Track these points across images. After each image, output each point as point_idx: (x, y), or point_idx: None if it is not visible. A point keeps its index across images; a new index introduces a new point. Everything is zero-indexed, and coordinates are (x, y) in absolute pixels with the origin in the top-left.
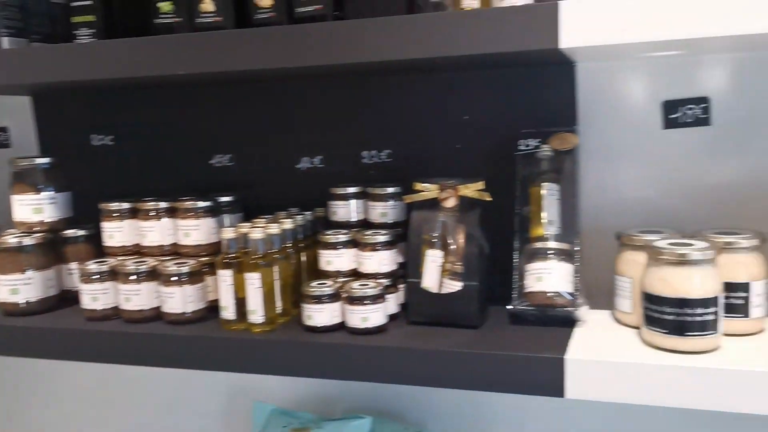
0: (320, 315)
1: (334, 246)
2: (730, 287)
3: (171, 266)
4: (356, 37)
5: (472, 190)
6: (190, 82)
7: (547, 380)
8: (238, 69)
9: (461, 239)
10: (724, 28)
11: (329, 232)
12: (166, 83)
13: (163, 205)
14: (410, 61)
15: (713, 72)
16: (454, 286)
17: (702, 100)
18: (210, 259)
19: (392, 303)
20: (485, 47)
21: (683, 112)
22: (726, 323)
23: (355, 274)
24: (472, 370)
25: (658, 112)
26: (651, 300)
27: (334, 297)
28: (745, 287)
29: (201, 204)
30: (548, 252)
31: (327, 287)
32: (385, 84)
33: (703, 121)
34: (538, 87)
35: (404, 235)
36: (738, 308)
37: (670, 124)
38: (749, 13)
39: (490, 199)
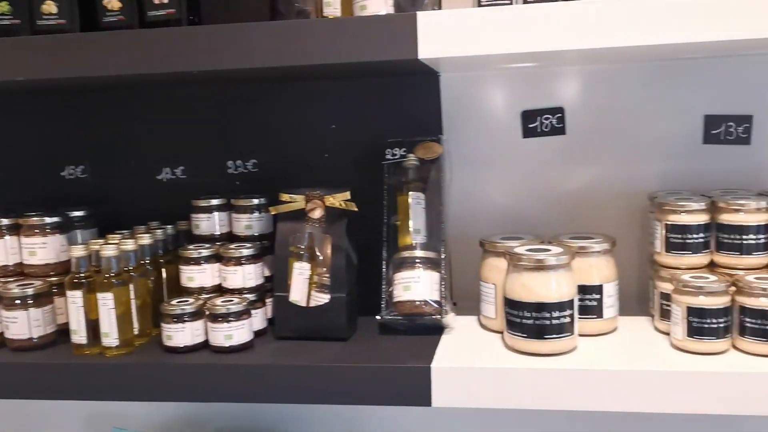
0: (181, 335)
1: (196, 261)
2: (584, 290)
3: (14, 288)
4: (211, 44)
5: (339, 200)
6: (36, 87)
7: (414, 390)
8: (83, 75)
9: (328, 251)
10: (573, 43)
11: (191, 247)
12: (8, 89)
13: (5, 221)
14: (271, 69)
15: (567, 84)
16: (322, 298)
17: (557, 111)
18: (59, 279)
19: (259, 318)
20: (346, 56)
21: (540, 122)
22: (581, 324)
23: (220, 290)
24: (340, 385)
25: (518, 121)
26: (511, 305)
27: (195, 315)
28: (598, 289)
29: (49, 219)
30: (415, 261)
31: (188, 305)
32: (251, 92)
33: (558, 130)
34: (404, 96)
35: (271, 248)
36: (592, 309)
37: (529, 133)
38: (597, 29)
39: (357, 209)
